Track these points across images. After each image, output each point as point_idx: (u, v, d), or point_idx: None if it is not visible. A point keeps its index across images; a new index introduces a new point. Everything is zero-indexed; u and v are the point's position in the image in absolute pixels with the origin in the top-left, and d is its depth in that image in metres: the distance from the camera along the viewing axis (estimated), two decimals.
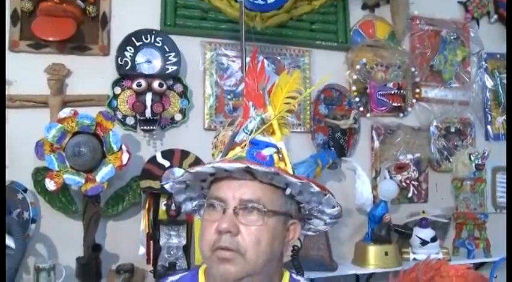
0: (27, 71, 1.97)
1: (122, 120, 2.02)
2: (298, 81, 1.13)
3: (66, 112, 1.80)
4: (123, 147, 1.82)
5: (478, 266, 2.41)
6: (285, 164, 1.06)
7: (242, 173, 0.98)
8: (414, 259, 2.22)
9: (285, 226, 1.03)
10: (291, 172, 1.04)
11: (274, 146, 1.06)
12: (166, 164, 1.93)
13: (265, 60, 2.22)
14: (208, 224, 0.99)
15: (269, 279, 1.03)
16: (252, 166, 0.93)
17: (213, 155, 1.72)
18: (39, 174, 1.87)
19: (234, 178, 1.00)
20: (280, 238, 1.01)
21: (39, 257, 1.91)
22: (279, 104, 1.11)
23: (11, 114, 1.94)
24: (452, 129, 2.60)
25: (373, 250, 2.11)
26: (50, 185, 1.76)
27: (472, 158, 2.37)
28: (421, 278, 0.66)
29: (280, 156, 1.05)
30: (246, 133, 1.08)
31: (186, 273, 1.15)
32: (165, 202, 1.90)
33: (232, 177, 1.00)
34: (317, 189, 1.00)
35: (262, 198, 0.98)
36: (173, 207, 1.84)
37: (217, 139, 1.69)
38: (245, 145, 1.04)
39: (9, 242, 1.72)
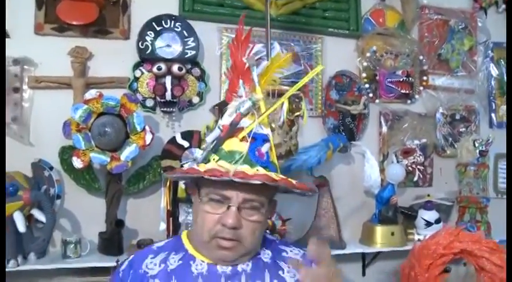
0: (52, 54, 2.04)
1: (142, 102, 2.10)
2: (289, 61, 1.24)
3: (92, 94, 1.89)
4: (147, 127, 1.91)
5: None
6: (274, 155, 1.19)
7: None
8: (419, 240, 2.31)
9: (269, 210, 1.20)
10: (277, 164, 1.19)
11: (267, 139, 1.16)
12: (186, 144, 2.02)
13: (278, 45, 2.29)
14: (210, 215, 1.10)
15: (255, 251, 1.18)
16: (255, 181, 1.04)
17: None
18: (65, 153, 1.96)
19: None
20: (266, 220, 1.21)
21: (64, 231, 2.01)
22: (264, 80, 1.24)
23: (36, 95, 2.03)
24: (458, 117, 2.68)
25: (380, 230, 2.21)
26: (77, 163, 1.86)
27: (476, 145, 2.46)
28: (442, 243, 0.74)
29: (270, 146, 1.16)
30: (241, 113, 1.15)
31: (170, 239, 1.27)
32: (184, 181, 1.99)
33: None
34: (299, 191, 1.17)
35: (261, 197, 1.12)
36: None
37: None
38: (244, 138, 1.12)
39: (40, 216, 1.81)
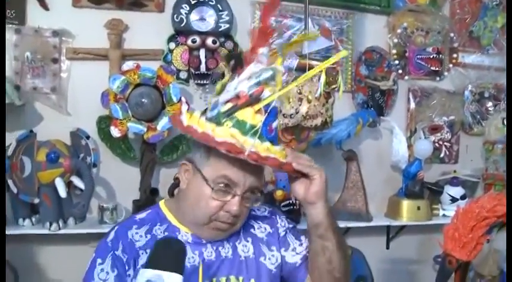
0: (88, 26, 2.08)
1: (176, 74, 2.13)
2: (312, 37, 1.22)
3: (129, 65, 1.94)
4: (183, 99, 1.96)
5: (505, 224, 2.53)
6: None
7: None
8: (444, 215, 2.35)
9: None
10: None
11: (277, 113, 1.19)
12: None
13: (309, 20, 2.29)
14: (215, 201, 1.13)
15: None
16: (264, 162, 1.07)
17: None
18: (102, 123, 2.02)
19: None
20: None
21: (100, 198, 2.08)
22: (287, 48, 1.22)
23: (74, 66, 2.08)
24: (486, 94, 2.67)
25: (406, 204, 2.25)
26: (115, 132, 1.92)
27: (505, 122, 2.46)
28: (485, 206, 0.78)
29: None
30: (258, 83, 1.07)
31: (150, 210, 1.28)
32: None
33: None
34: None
35: (261, 181, 1.19)
36: None
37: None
38: (259, 110, 1.09)
39: (79, 183, 1.88)
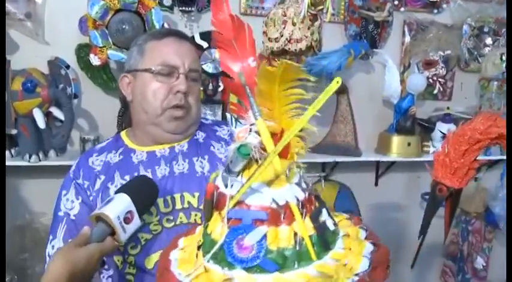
0: None
1: (160, 0, 2.02)
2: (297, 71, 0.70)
3: None
4: (165, 25, 1.86)
5: (493, 163, 2.53)
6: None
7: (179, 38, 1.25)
8: (434, 152, 2.32)
9: None
10: None
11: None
12: (205, 44, 1.97)
13: None
14: (160, 85, 1.20)
15: (197, 124, 1.32)
16: None
17: (264, 32, 1.72)
18: (82, 51, 1.93)
19: (176, 40, 1.24)
20: None
21: (81, 130, 2.03)
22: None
23: None
24: (486, 29, 2.57)
25: (396, 140, 2.21)
26: (95, 60, 1.83)
27: (503, 58, 2.38)
28: (478, 128, 0.73)
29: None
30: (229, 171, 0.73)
31: (110, 139, 1.36)
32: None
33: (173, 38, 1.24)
34: None
35: (200, 66, 1.29)
36: (210, 87, 1.91)
37: (268, 17, 1.70)
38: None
39: (59, 114, 1.81)
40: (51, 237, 1.23)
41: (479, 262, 2.52)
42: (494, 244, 2.60)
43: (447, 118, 2.33)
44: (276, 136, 0.71)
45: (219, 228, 0.70)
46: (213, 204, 0.74)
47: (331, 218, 0.74)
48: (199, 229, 0.81)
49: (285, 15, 1.60)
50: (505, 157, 2.43)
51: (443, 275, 2.63)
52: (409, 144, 2.21)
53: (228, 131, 1.34)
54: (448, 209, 0.89)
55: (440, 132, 2.31)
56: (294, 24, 1.57)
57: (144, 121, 1.25)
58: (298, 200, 0.69)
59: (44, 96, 1.77)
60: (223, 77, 0.84)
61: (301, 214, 0.68)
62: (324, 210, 0.73)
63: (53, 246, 1.21)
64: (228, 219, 0.69)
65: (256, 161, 0.68)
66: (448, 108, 2.39)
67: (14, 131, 1.81)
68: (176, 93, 1.20)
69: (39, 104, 1.77)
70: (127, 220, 0.98)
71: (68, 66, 1.95)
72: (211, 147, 1.28)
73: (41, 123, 1.78)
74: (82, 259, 0.89)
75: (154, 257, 1.15)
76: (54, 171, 1.92)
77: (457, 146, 0.76)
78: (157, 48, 1.23)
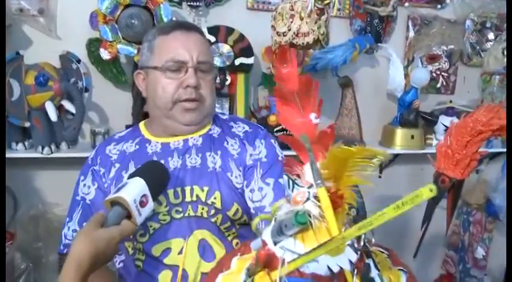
0: None
1: None
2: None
3: None
4: (174, 19, 1.89)
5: (495, 155, 2.57)
6: None
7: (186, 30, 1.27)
8: (437, 144, 2.36)
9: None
10: None
11: None
12: (212, 39, 2.00)
13: None
14: (169, 81, 1.23)
15: (211, 115, 1.34)
16: None
17: (272, 26, 1.76)
18: (92, 45, 1.97)
19: (183, 33, 1.25)
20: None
21: (92, 123, 2.07)
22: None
23: None
24: (488, 24, 2.60)
25: (400, 132, 2.25)
26: (105, 54, 1.87)
27: (505, 53, 2.42)
28: (481, 120, 0.76)
29: None
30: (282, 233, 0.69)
31: (129, 129, 1.41)
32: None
33: (180, 31, 1.26)
34: None
35: (210, 56, 1.30)
36: (218, 80, 1.95)
37: (276, 11, 1.74)
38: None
39: (70, 107, 1.85)
40: (67, 219, 1.30)
41: (480, 252, 2.57)
42: (494, 234, 2.65)
43: (450, 111, 2.37)
44: (334, 202, 0.68)
45: None
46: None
47: (376, 267, 0.71)
48: (236, 264, 0.78)
49: (293, 10, 1.64)
50: (505, 150, 2.48)
51: (445, 264, 2.68)
52: (412, 137, 2.24)
53: (243, 128, 1.34)
54: (450, 200, 0.91)
55: (443, 125, 2.34)
56: (301, 18, 1.60)
57: (158, 115, 1.29)
58: (351, 263, 0.66)
59: (55, 89, 1.81)
60: (282, 136, 0.80)
61: (353, 276, 0.66)
62: (371, 264, 0.71)
63: (68, 228, 1.28)
64: None
65: (312, 228, 0.66)
66: (450, 101, 2.43)
67: (27, 124, 1.86)
68: (186, 88, 1.23)
69: (51, 97, 1.81)
70: (142, 203, 1.00)
71: (79, 61, 1.99)
72: (225, 143, 1.29)
73: (53, 116, 1.82)
74: (103, 240, 0.91)
75: (161, 246, 1.19)
76: (65, 163, 1.97)
77: (459, 138, 0.79)
78: (165, 44, 1.25)
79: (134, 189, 1.00)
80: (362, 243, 0.69)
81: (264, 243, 0.70)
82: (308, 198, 0.68)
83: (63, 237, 1.29)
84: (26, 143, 1.92)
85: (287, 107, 0.78)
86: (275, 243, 0.69)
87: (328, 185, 0.68)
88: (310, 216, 0.66)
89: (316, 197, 0.67)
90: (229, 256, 0.81)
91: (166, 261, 1.19)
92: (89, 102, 2.06)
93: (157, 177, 1.10)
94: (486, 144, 2.46)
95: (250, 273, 0.71)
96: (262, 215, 0.78)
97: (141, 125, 1.38)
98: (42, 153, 1.85)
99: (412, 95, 2.22)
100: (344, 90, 2.18)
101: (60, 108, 1.90)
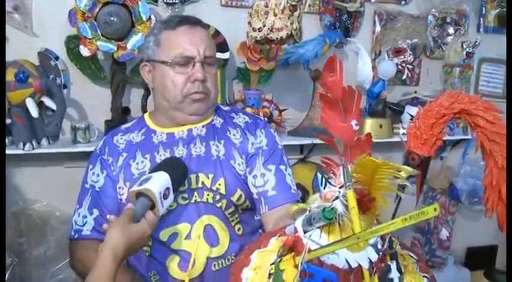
0: None
1: None
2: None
3: None
4: (152, 17, 1.94)
5: (456, 143, 2.73)
6: None
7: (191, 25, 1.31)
8: (403, 133, 2.49)
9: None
10: None
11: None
12: None
13: None
14: (178, 76, 1.28)
15: (214, 106, 1.42)
16: None
17: (249, 23, 1.82)
18: (71, 42, 2.00)
19: (189, 28, 1.30)
20: None
21: (72, 119, 2.10)
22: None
23: None
24: (448, 19, 2.75)
25: (369, 122, 2.36)
26: (85, 51, 1.90)
27: (464, 46, 2.56)
28: (444, 104, 0.86)
29: None
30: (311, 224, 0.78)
31: (135, 120, 1.47)
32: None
33: (186, 27, 1.30)
34: None
35: (214, 50, 1.35)
36: None
37: (252, 9, 1.81)
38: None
39: (51, 103, 1.88)
40: (77, 206, 1.35)
41: (444, 233, 2.73)
42: (457, 217, 2.82)
43: (415, 101, 2.50)
44: (363, 201, 0.75)
45: (291, 272, 0.76)
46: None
47: (399, 270, 0.77)
48: (273, 243, 0.86)
49: (267, 7, 1.72)
50: (466, 137, 2.64)
51: (413, 246, 2.83)
52: (380, 126, 2.36)
53: (244, 119, 1.42)
54: (419, 176, 1.02)
55: (409, 114, 2.47)
56: (275, 14, 1.70)
57: (166, 106, 1.34)
58: (370, 261, 0.74)
59: (36, 86, 1.84)
60: (325, 137, 0.86)
61: (371, 274, 0.73)
62: (393, 266, 0.77)
63: (78, 214, 1.34)
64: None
65: (339, 224, 0.74)
66: (415, 92, 2.56)
67: (8, 121, 1.88)
68: (194, 82, 1.29)
69: (32, 94, 1.84)
70: (165, 196, 1.09)
71: (57, 58, 2.01)
72: (228, 133, 1.36)
73: (34, 112, 1.84)
74: (136, 233, 1.02)
75: (168, 231, 1.26)
76: (46, 159, 2.01)
77: (426, 120, 0.89)
78: (172, 39, 1.29)
79: (160, 182, 1.09)
80: (385, 246, 0.76)
81: (295, 230, 0.80)
82: (337, 197, 0.75)
83: (73, 223, 1.34)
84: (7, 140, 1.93)
85: (331, 111, 0.87)
86: (305, 232, 0.78)
87: (358, 188, 0.74)
88: (336, 213, 0.73)
89: (345, 197, 0.74)
90: (269, 235, 0.90)
91: (173, 246, 1.26)
92: (68, 98, 2.08)
93: (178, 173, 1.19)
94: (449, 133, 2.61)
95: (280, 254, 0.80)
96: (301, 204, 0.84)
97: (146, 116, 1.44)
98: (23, 149, 1.87)
99: (380, 87, 2.34)
100: (315, 82, 2.27)
101: (40, 105, 1.91)
